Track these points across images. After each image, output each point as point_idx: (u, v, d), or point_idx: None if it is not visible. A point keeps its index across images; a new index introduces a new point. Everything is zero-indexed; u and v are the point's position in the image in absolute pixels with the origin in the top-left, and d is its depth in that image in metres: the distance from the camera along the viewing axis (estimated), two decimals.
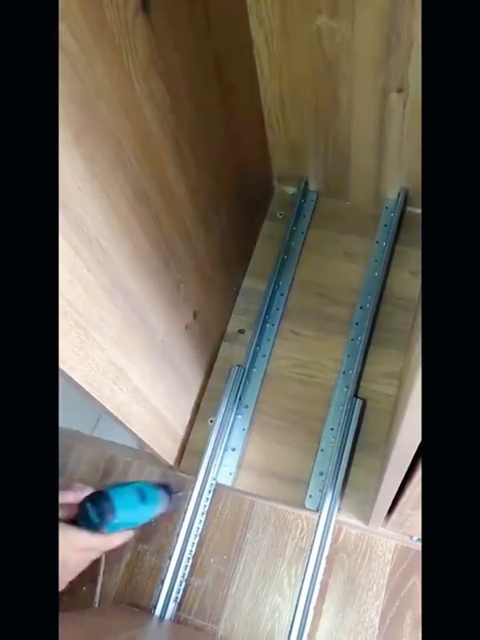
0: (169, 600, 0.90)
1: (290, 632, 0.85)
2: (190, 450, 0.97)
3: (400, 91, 0.87)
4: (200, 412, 1.00)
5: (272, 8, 0.80)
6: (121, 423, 0.74)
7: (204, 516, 0.94)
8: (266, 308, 1.04)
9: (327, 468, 0.92)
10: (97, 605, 0.95)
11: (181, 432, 0.97)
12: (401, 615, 0.93)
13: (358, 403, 0.94)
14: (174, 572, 0.90)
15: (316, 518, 0.89)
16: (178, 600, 0.91)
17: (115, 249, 0.63)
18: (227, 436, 0.96)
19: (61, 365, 0.56)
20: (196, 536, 0.93)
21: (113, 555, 0.95)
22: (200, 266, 0.89)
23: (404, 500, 0.67)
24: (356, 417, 0.93)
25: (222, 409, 0.98)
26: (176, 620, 0.91)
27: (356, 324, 1.02)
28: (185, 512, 0.92)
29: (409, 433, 0.47)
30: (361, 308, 1.03)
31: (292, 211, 1.12)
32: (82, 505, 0.73)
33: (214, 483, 0.94)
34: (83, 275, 0.57)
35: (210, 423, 0.98)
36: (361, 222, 1.11)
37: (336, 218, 1.13)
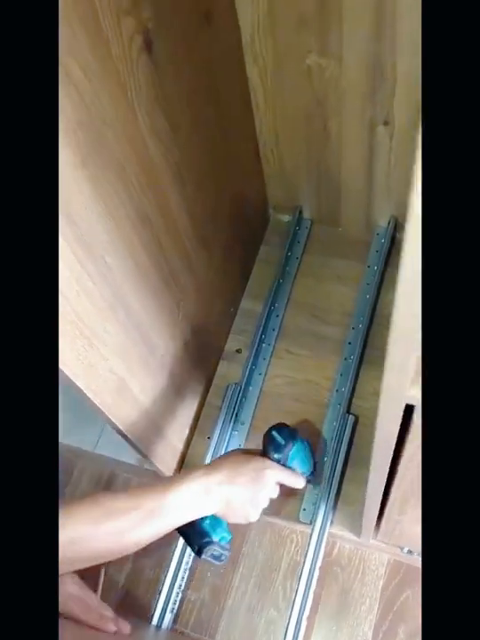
0: (166, 611, 0.92)
1: None
2: (188, 464, 1.00)
3: (386, 123, 0.93)
4: (198, 428, 1.04)
5: (266, 47, 0.86)
6: (122, 433, 0.78)
7: None
8: (262, 328, 1.08)
9: (321, 482, 0.95)
10: None
11: (180, 446, 1.00)
12: (394, 629, 0.95)
13: (351, 419, 0.98)
14: (171, 584, 0.93)
15: (310, 530, 0.92)
16: (174, 611, 0.94)
17: (118, 266, 0.67)
18: (223, 452, 0.99)
19: (67, 372, 0.60)
20: None
21: (113, 566, 0.97)
22: (199, 287, 0.94)
23: (389, 504, 0.70)
24: (349, 432, 0.97)
25: (219, 425, 1.01)
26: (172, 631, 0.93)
27: (349, 343, 1.06)
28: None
29: (384, 439, 0.51)
30: (353, 328, 1.07)
31: (287, 237, 1.17)
32: (267, 433, 0.80)
33: None
34: (88, 287, 0.61)
35: (207, 440, 1.02)
36: (353, 248, 1.16)
37: (329, 244, 1.19)
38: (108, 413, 0.71)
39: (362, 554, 0.99)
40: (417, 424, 0.46)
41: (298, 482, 0.80)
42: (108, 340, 0.68)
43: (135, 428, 0.81)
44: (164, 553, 1.01)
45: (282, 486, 0.79)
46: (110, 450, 1.05)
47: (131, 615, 0.97)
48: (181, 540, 0.94)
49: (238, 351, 1.10)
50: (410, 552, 0.92)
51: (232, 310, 1.12)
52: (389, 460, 0.54)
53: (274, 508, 0.96)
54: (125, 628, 0.74)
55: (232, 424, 1.02)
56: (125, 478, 1.09)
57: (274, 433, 0.80)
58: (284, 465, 0.79)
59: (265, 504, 0.76)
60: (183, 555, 0.94)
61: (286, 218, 1.21)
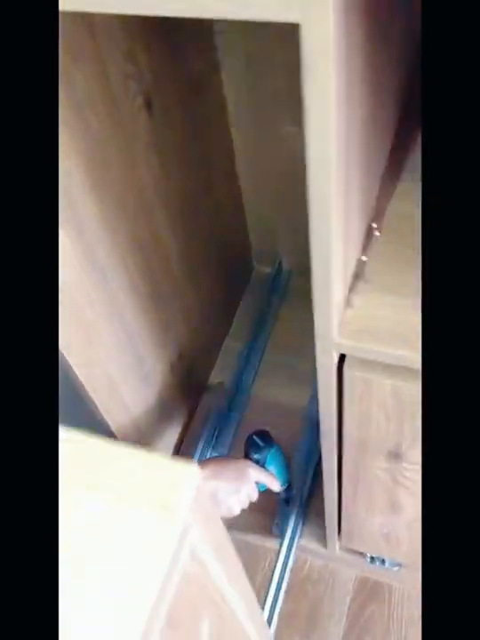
0: None
1: None
2: None
3: None
4: (181, 452, 1.13)
5: (247, 116, 1.04)
6: (114, 437, 0.88)
7: None
8: (244, 364, 1.20)
9: (296, 502, 1.03)
10: None
11: None
12: None
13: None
14: None
15: (280, 542, 0.99)
16: None
17: (115, 280, 0.80)
18: None
19: (69, 359, 0.72)
20: None
21: None
22: (187, 318, 1.06)
23: (344, 497, 0.80)
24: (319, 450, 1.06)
25: (199, 449, 1.11)
26: None
27: None
28: None
29: (326, 398, 0.61)
30: None
31: (267, 285, 1.31)
32: (248, 438, 0.88)
33: None
34: (89, 292, 0.74)
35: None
36: None
37: (307, 293, 1.31)
38: (101, 408, 0.81)
39: (331, 569, 1.05)
40: (349, 376, 0.57)
41: (274, 483, 0.89)
42: (105, 343, 0.79)
43: (124, 435, 0.91)
44: None
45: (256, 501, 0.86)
46: None
47: None
48: None
49: (220, 383, 1.21)
50: (372, 560, 0.99)
51: (216, 347, 1.24)
52: (335, 425, 0.64)
53: (248, 524, 1.04)
54: None
55: (211, 448, 1.11)
56: None
57: (254, 437, 0.89)
58: (263, 466, 0.88)
59: (245, 500, 0.83)
60: None
61: (267, 269, 1.35)
